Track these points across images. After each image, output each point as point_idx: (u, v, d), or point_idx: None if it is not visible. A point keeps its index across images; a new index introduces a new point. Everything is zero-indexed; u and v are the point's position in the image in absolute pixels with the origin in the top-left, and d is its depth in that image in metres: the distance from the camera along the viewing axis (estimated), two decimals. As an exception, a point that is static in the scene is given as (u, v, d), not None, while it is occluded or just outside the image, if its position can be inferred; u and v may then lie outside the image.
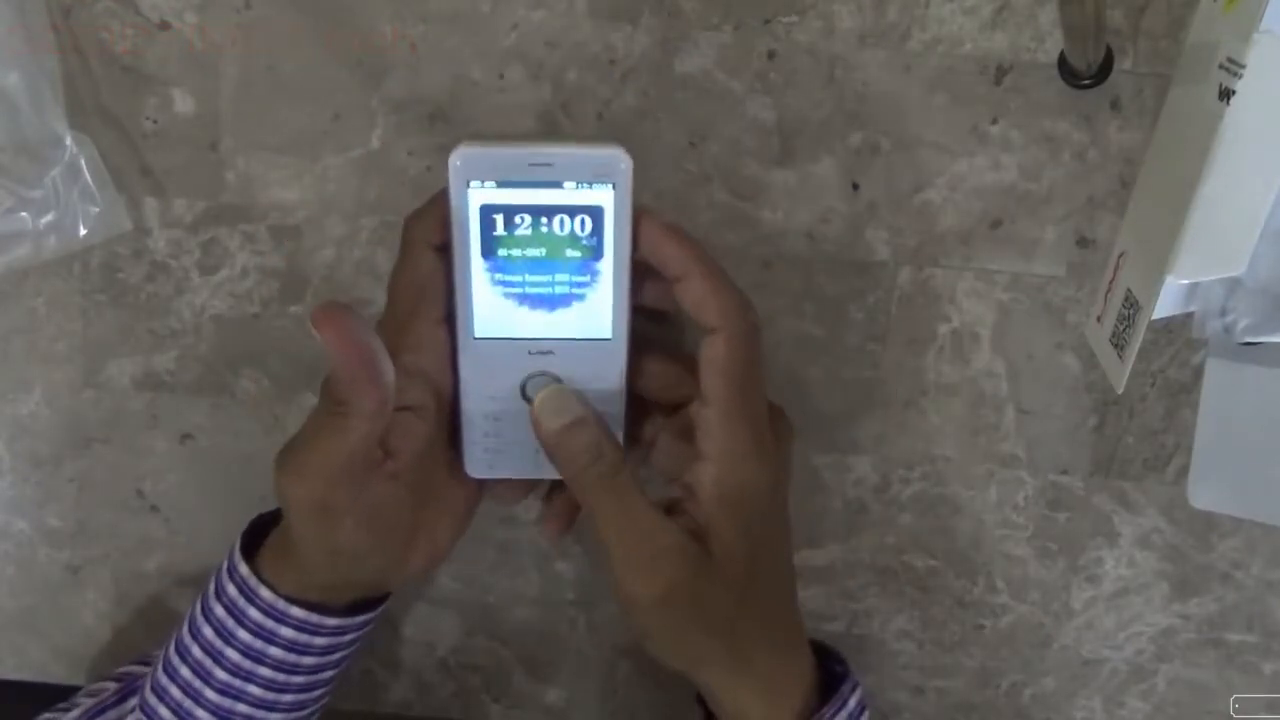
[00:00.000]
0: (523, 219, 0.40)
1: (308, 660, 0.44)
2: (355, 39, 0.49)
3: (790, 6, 0.48)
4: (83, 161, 0.49)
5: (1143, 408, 0.52)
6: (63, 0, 0.49)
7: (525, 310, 0.42)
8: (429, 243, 0.41)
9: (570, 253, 0.41)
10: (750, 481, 0.41)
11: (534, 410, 0.42)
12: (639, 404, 0.45)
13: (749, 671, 0.42)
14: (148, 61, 0.50)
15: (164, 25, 0.50)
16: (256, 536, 0.45)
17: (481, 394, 0.43)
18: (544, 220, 0.40)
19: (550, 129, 0.50)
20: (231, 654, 0.43)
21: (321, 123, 0.51)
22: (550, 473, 0.44)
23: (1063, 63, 0.47)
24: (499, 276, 0.41)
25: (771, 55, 0.48)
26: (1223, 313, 0.41)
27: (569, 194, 0.40)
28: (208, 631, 0.43)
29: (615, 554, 0.40)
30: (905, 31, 0.48)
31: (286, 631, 0.43)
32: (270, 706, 0.44)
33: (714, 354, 0.40)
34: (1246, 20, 0.36)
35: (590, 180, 0.39)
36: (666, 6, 0.48)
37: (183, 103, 0.51)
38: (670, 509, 0.41)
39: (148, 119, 0.51)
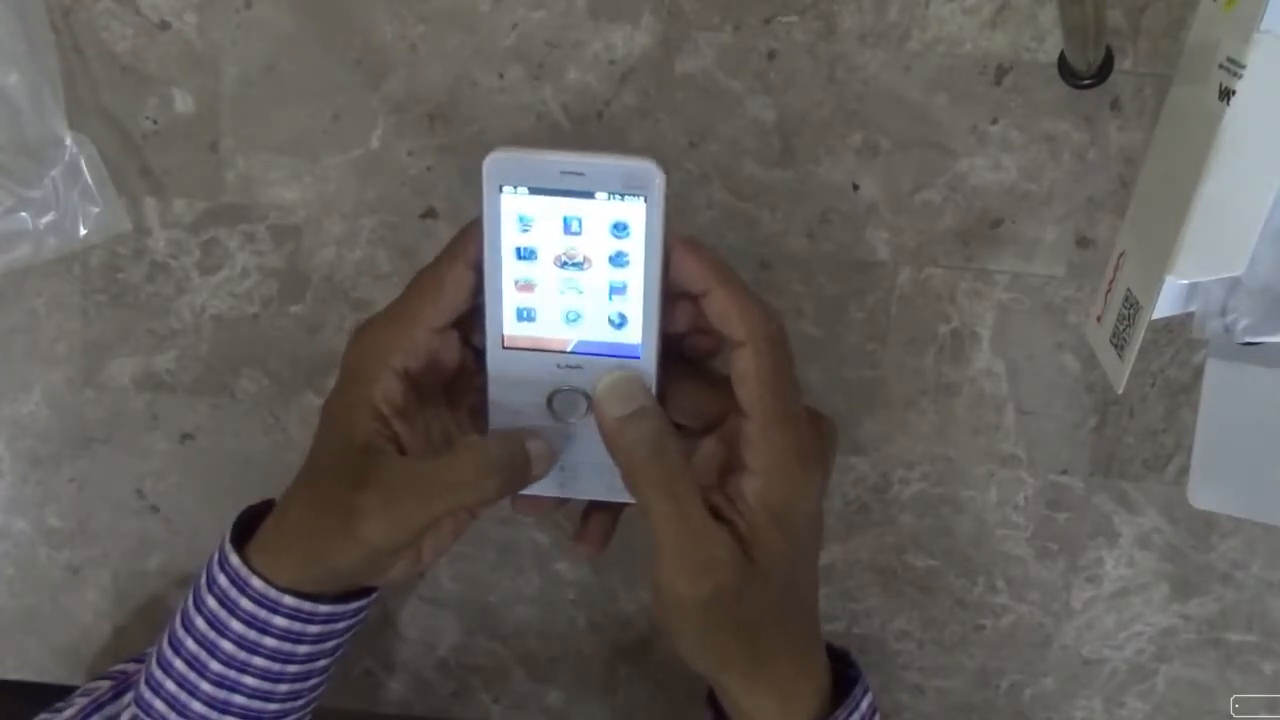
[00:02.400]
0: (554, 228, 0.40)
1: (302, 649, 0.44)
2: (355, 39, 0.49)
3: (790, 6, 0.48)
4: (83, 161, 0.49)
5: (1143, 408, 0.52)
6: (63, 0, 0.49)
7: (555, 322, 0.42)
8: (467, 256, 0.41)
9: (600, 266, 0.41)
10: (796, 492, 0.41)
11: (597, 394, 0.41)
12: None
13: (770, 675, 0.42)
14: (148, 61, 0.50)
15: (164, 25, 0.50)
16: (246, 530, 0.45)
17: (508, 406, 0.43)
18: (575, 230, 0.40)
19: (551, 129, 0.50)
20: (226, 645, 0.43)
21: (321, 123, 0.51)
22: (574, 493, 0.44)
23: (1063, 63, 0.47)
24: (529, 286, 0.41)
25: (771, 55, 0.48)
26: (1223, 313, 0.41)
27: (600, 205, 0.40)
28: (201, 624, 0.43)
29: (665, 552, 0.40)
30: (905, 31, 0.48)
31: (280, 620, 0.43)
32: (266, 697, 0.44)
33: (744, 366, 0.40)
34: (1246, 20, 0.36)
35: (622, 192, 0.39)
36: (666, 6, 0.48)
37: (183, 103, 0.51)
38: (715, 512, 0.41)
39: (148, 119, 0.51)
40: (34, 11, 0.48)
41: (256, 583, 0.42)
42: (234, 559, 0.43)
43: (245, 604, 0.43)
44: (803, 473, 0.41)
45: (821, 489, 0.42)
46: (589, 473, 0.43)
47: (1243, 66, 0.36)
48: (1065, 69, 0.47)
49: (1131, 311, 0.41)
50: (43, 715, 0.49)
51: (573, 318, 0.42)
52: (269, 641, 0.43)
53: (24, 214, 0.49)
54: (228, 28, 0.50)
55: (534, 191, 0.40)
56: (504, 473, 0.42)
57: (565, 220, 0.40)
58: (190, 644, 0.44)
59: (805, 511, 0.42)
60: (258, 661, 0.43)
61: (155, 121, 0.51)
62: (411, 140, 0.51)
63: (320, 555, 0.42)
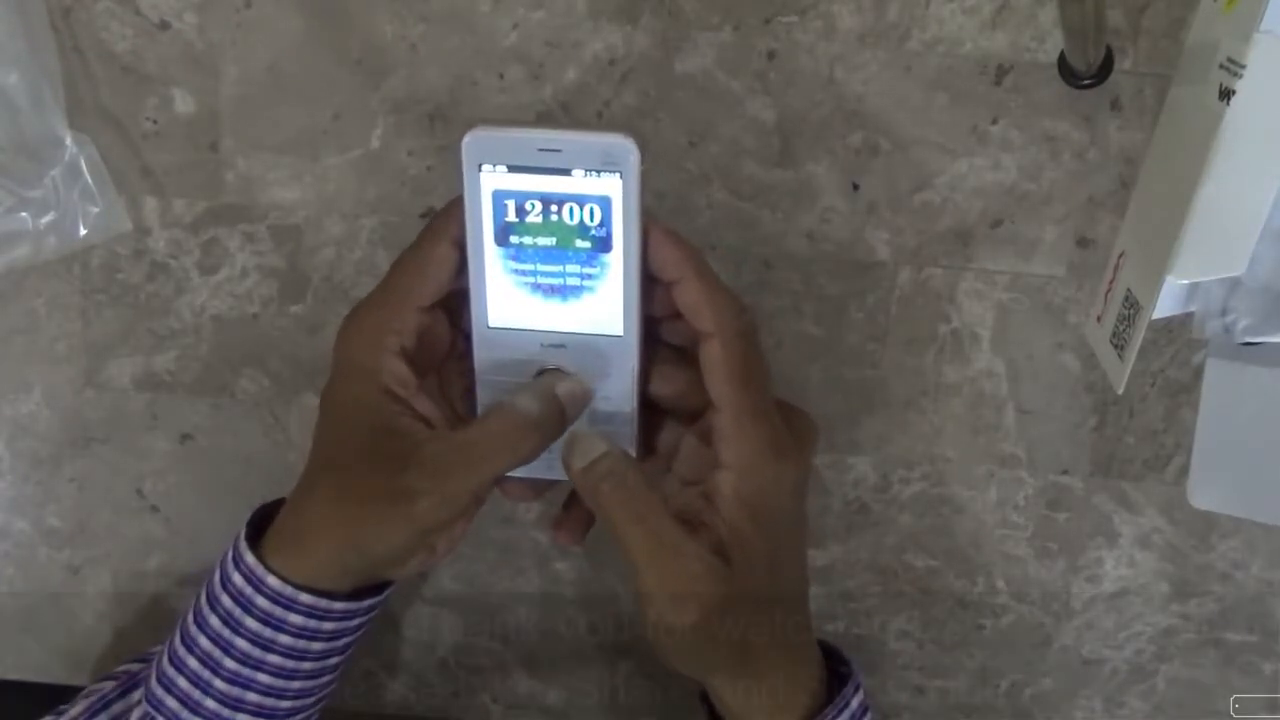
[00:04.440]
0: (533, 205, 0.40)
1: (316, 646, 0.44)
2: (355, 39, 0.49)
3: (790, 6, 0.48)
4: (83, 161, 0.49)
5: (1143, 408, 0.52)
6: (63, 0, 0.49)
7: (538, 301, 0.42)
8: (449, 235, 0.42)
9: (580, 243, 0.41)
10: (770, 485, 0.41)
11: (563, 458, 0.42)
12: (657, 413, 0.45)
13: (758, 676, 0.42)
14: (148, 61, 0.50)
15: (164, 25, 0.50)
16: (258, 529, 0.45)
17: (495, 386, 0.44)
18: (554, 208, 0.40)
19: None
20: (241, 643, 0.43)
21: (321, 123, 0.51)
22: (564, 474, 0.44)
23: (1063, 63, 0.47)
24: (512, 265, 0.41)
25: (771, 55, 0.48)
26: (1223, 313, 0.41)
27: (578, 182, 0.40)
28: (215, 622, 0.43)
29: (648, 584, 0.40)
30: (905, 31, 0.48)
31: (296, 618, 0.43)
32: (279, 694, 0.44)
33: (713, 358, 0.40)
34: (1246, 20, 0.36)
35: (598, 168, 0.40)
36: (666, 6, 0.48)
37: (183, 103, 0.51)
38: (691, 521, 0.41)
39: (148, 119, 0.51)
40: (34, 11, 0.48)
41: (273, 580, 0.42)
42: (249, 557, 0.43)
43: (261, 601, 0.43)
44: (776, 465, 0.41)
45: (798, 482, 0.42)
46: None
47: (1243, 66, 0.36)
48: (1065, 69, 0.47)
49: (1131, 311, 0.41)
50: (47, 718, 0.49)
51: (555, 296, 0.42)
52: (284, 639, 0.43)
53: (24, 214, 0.49)
54: (228, 28, 0.50)
55: (512, 169, 0.40)
56: (541, 427, 0.42)
57: (544, 197, 0.40)
58: (204, 641, 0.44)
59: (782, 505, 0.41)
60: (273, 658, 0.43)
61: (155, 121, 0.51)
62: (411, 140, 0.51)
63: (359, 544, 0.42)
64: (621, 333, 0.42)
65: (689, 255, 0.41)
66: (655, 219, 0.41)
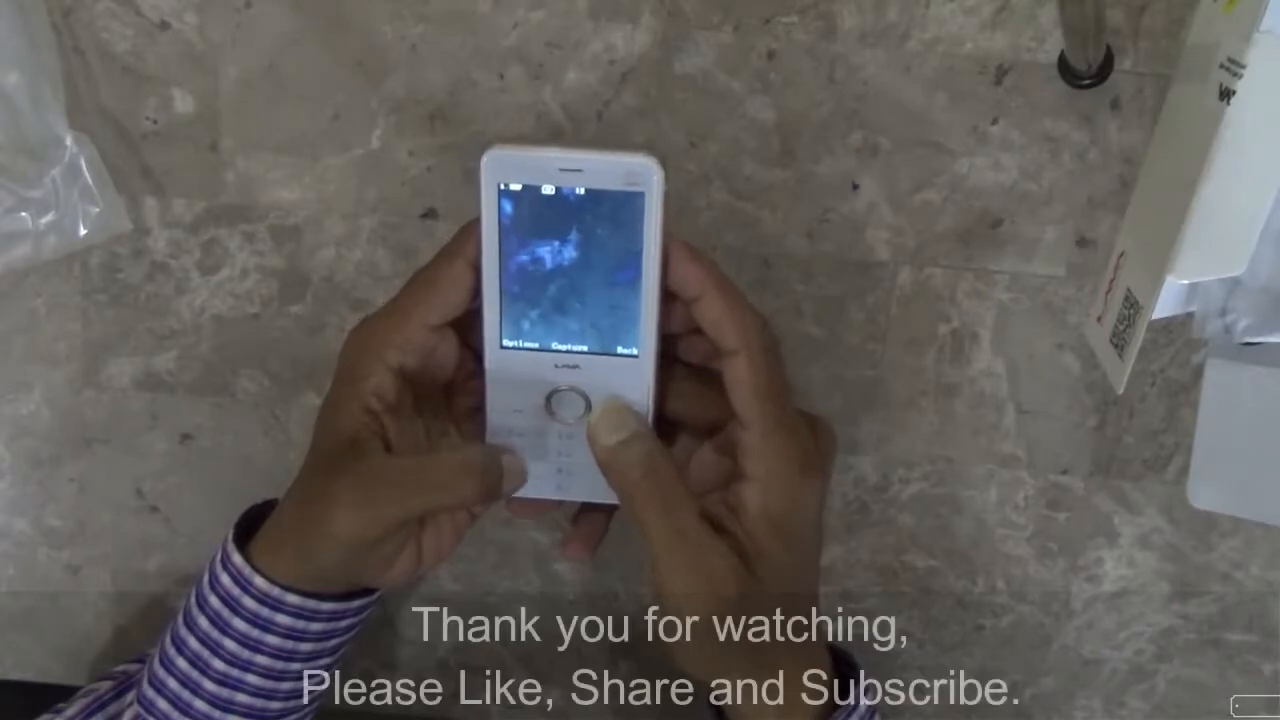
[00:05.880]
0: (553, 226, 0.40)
1: (305, 647, 0.44)
2: (355, 39, 0.49)
3: (790, 6, 0.48)
4: (83, 161, 0.49)
5: (1143, 408, 0.52)
6: (63, 0, 0.49)
7: (553, 321, 0.42)
8: (465, 254, 0.41)
9: (599, 263, 0.41)
10: (796, 500, 0.41)
11: (590, 426, 0.42)
12: (668, 426, 0.45)
13: (769, 680, 0.42)
14: (148, 61, 0.50)
15: (164, 25, 0.50)
16: (249, 529, 0.45)
17: (506, 407, 0.43)
18: (574, 228, 0.40)
19: (551, 130, 0.50)
20: (229, 644, 0.43)
21: (321, 123, 0.51)
22: (571, 495, 0.44)
23: (1063, 63, 0.47)
24: (527, 285, 0.41)
25: (771, 55, 0.48)
26: (1223, 313, 0.41)
27: (599, 202, 0.40)
28: (203, 623, 0.43)
29: (665, 571, 0.40)
30: (905, 31, 0.48)
31: (283, 619, 0.43)
32: (269, 695, 0.44)
33: (739, 375, 0.40)
34: (1246, 20, 0.36)
35: (621, 188, 0.39)
36: (666, 6, 0.48)
37: (183, 103, 0.51)
38: (714, 523, 0.41)
39: (148, 119, 0.51)
40: (34, 11, 0.48)
41: (260, 581, 0.42)
42: (237, 558, 0.43)
43: (248, 602, 0.43)
44: (802, 480, 0.41)
45: (821, 495, 0.42)
46: (586, 474, 0.43)
47: (1243, 66, 0.36)
48: (1065, 69, 0.47)
49: (1131, 311, 0.41)
50: (44, 716, 0.49)
51: (571, 316, 0.41)
52: (272, 639, 0.43)
53: (24, 214, 0.49)
54: (228, 28, 0.50)
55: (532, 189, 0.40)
56: (484, 478, 0.42)
57: (564, 217, 0.40)
58: (193, 642, 0.44)
59: (806, 519, 0.42)
60: (261, 659, 0.43)
61: (155, 121, 0.51)
62: (411, 140, 0.51)
63: (308, 554, 0.42)
64: (637, 353, 0.42)
65: (710, 271, 0.40)
66: (673, 234, 0.41)
